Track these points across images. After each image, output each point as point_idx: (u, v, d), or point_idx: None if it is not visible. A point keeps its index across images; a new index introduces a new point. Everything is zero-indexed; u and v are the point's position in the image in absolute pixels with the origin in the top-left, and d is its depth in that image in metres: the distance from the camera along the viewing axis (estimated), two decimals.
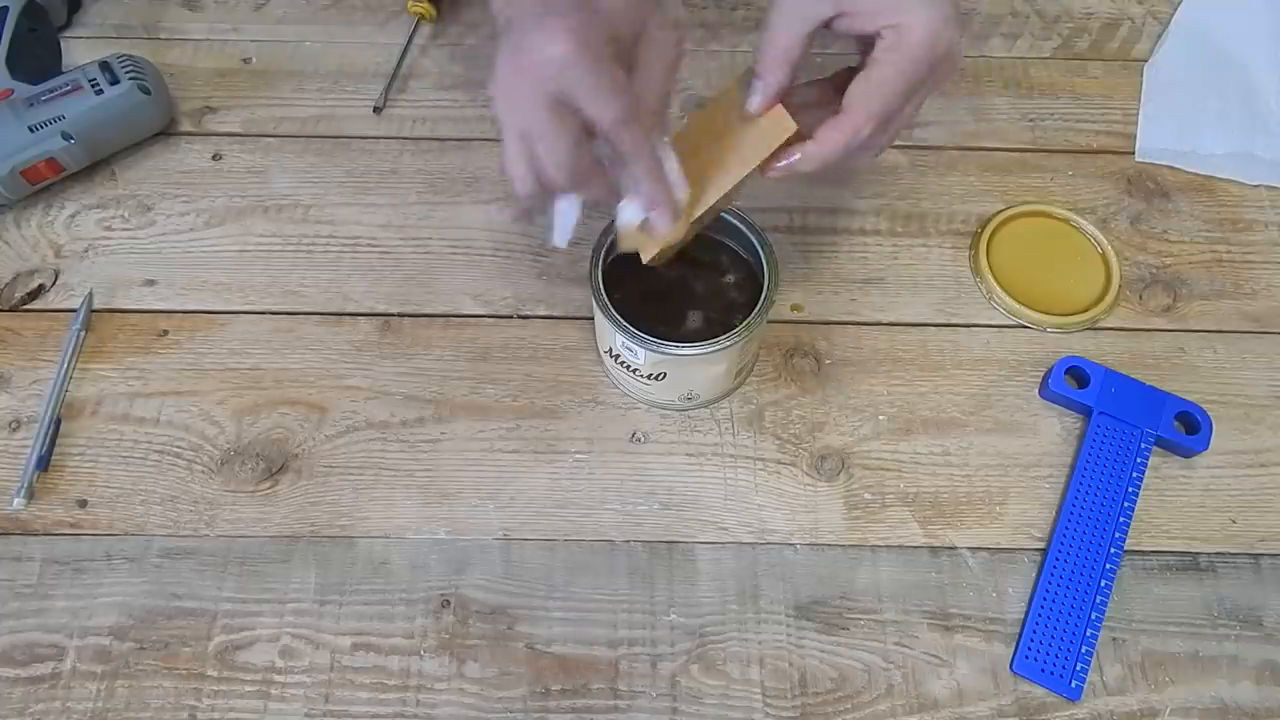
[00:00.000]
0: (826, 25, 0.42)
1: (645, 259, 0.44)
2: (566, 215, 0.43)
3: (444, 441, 0.50)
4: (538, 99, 0.37)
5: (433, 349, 0.53)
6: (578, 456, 0.50)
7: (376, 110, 0.61)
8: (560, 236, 0.43)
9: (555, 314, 0.54)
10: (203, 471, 0.49)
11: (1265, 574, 0.48)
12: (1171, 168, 0.60)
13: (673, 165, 0.41)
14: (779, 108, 0.42)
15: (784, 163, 0.43)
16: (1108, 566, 0.47)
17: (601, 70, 0.36)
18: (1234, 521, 0.49)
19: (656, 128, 0.40)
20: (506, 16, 0.38)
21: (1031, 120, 0.62)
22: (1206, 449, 0.50)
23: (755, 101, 0.42)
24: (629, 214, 0.42)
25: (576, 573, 0.47)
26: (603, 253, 0.47)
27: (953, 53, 0.41)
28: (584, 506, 0.49)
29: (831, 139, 0.42)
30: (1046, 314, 0.54)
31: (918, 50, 0.40)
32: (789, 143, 0.42)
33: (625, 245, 0.44)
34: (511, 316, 0.54)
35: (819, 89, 0.45)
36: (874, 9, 0.41)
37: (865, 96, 0.41)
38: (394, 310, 0.54)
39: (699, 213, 0.43)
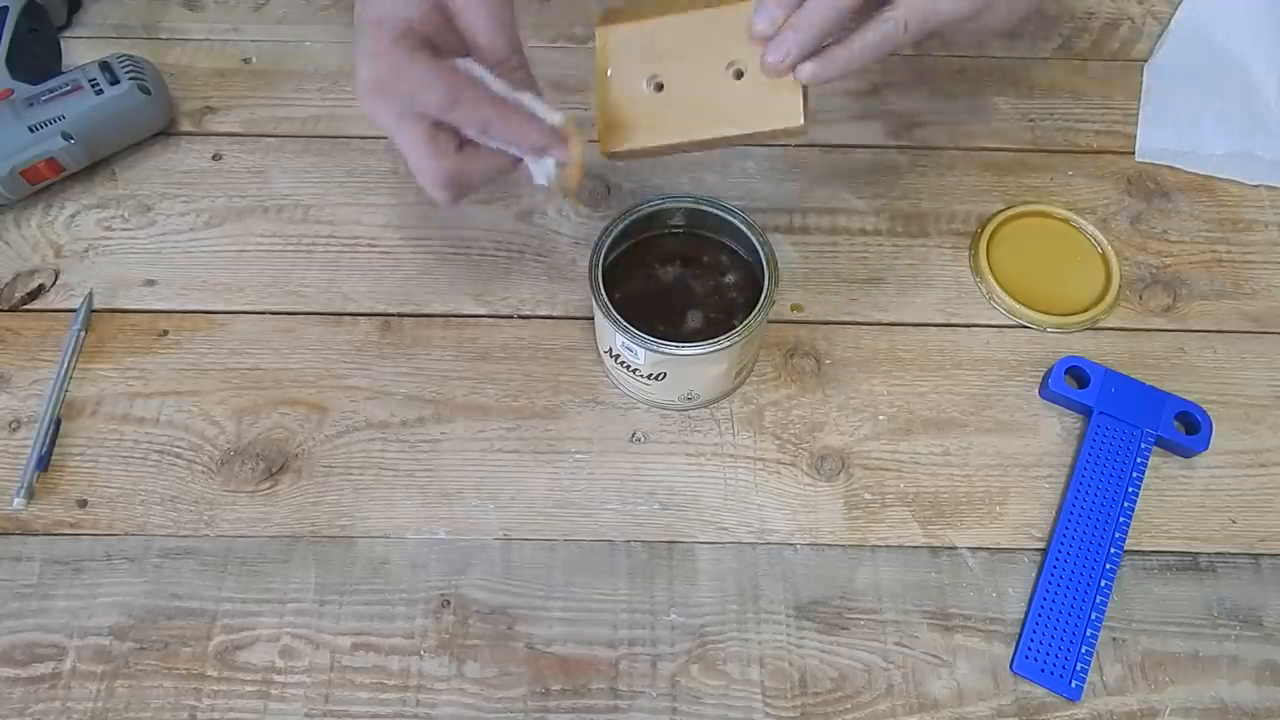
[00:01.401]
0: None
1: (575, 183, 0.42)
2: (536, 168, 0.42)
3: (444, 441, 0.50)
4: (382, 120, 0.39)
5: (433, 349, 0.53)
6: (578, 456, 0.50)
7: None
8: (539, 174, 0.42)
9: (555, 314, 0.54)
10: (203, 471, 0.49)
11: (1265, 574, 0.48)
12: (1171, 168, 0.60)
13: (533, 99, 0.40)
14: (796, 83, 0.39)
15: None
16: (1108, 566, 0.47)
17: (404, 73, 0.37)
18: (1234, 521, 0.49)
19: (505, 64, 0.39)
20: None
21: (1031, 120, 0.62)
22: (1206, 449, 0.50)
23: (759, 24, 0.39)
24: (537, 170, 0.41)
25: (576, 573, 0.47)
26: (603, 253, 0.47)
27: None
28: (584, 506, 0.49)
29: (871, 34, 0.39)
30: (1046, 314, 0.54)
31: None
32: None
33: (560, 188, 0.42)
34: (511, 316, 0.54)
35: None
36: None
37: None
38: (394, 310, 0.54)
39: (660, 142, 0.41)
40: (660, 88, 0.42)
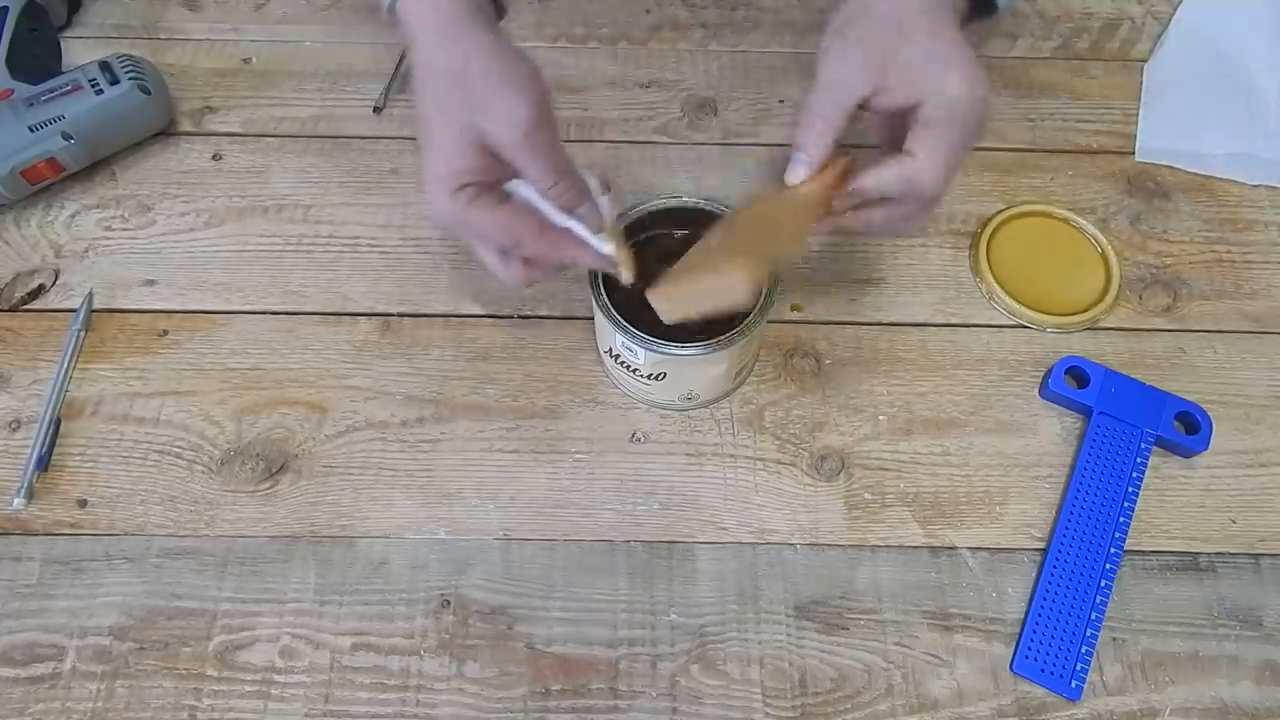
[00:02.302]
0: (864, 105, 0.43)
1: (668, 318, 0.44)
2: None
3: (444, 441, 0.50)
4: (456, 235, 0.44)
5: (433, 349, 0.53)
6: (578, 456, 0.50)
7: (376, 110, 0.61)
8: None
9: (555, 314, 0.54)
10: (203, 471, 0.49)
11: (1265, 574, 0.48)
12: (1171, 168, 0.60)
13: (578, 224, 0.43)
14: (819, 186, 0.43)
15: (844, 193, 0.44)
16: (1108, 566, 0.47)
17: (463, 222, 0.42)
18: (1234, 521, 0.49)
19: (554, 191, 0.41)
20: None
21: (1031, 120, 0.62)
22: (1206, 449, 0.50)
23: (798, 172, 0.43)
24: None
25: (576, 573, 0.47)
26: None
27: (988, 110, 0.43)
28: (584, 506, 0.49)
29: (891, 172, 0.42)
30: (1046, 314, 0.54)
31: (966, 108, 0.41)
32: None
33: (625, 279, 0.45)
34: (512, 316, 0.54)
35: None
36: (911, 79, 0.42)
37: (931, 142, 0.41)
38: (394, 310, 0.54)
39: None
40: None
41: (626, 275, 0.44)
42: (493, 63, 0.40)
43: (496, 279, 0.45)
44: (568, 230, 0.43)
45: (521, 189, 0.43)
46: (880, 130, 0.45)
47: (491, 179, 0.42)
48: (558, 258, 0.44)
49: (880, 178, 0.42)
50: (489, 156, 0.41)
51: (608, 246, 0.44)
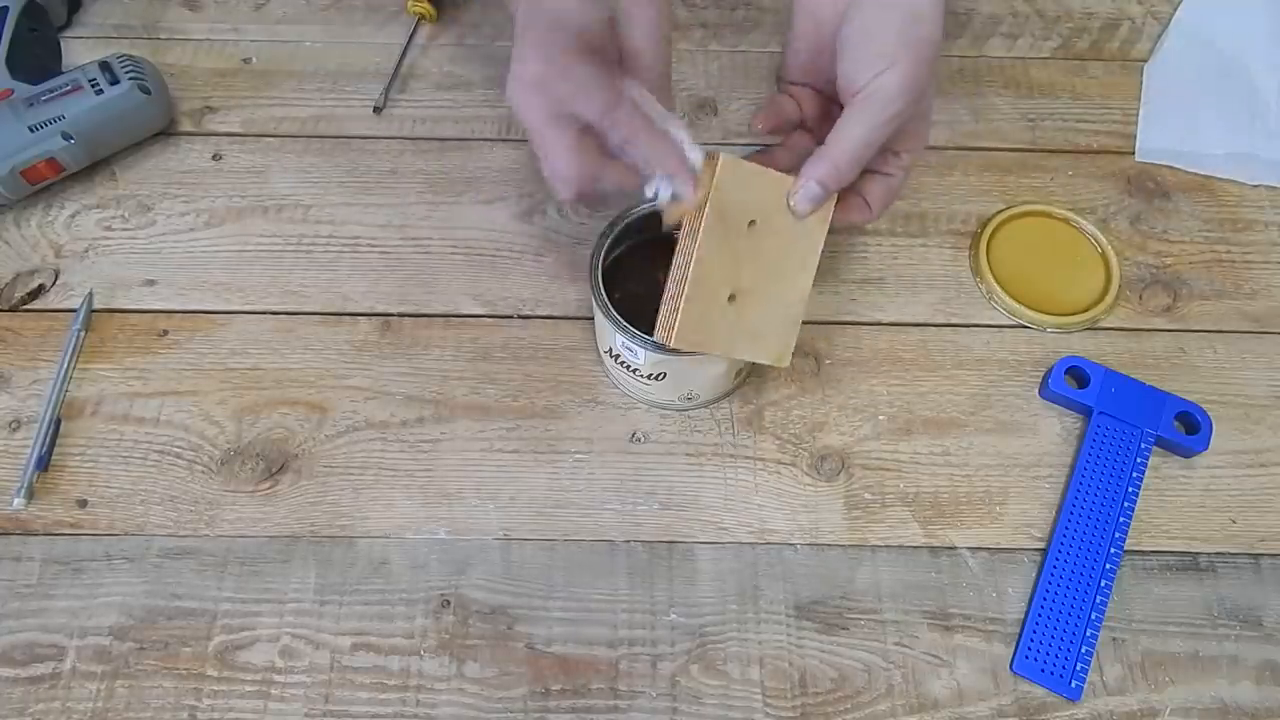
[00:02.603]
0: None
1: (676, 219, 0.43)
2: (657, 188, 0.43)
3: (444, 441, 0.50)
4: (533, 117, 0.40)
5: (433, 349, 0.53)
6: (578, 456, 0.50)
7: (376, 110, 0.61)
8: (653, 191, 0.42)
9: (555, 314, 0.54)
10: (203, 471, 0.49)
11: (1265, 574, 0.48)
12: (1171, 168, 0.60)
13: (680, 131, 0.41)
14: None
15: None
16: (1108, 566, 0.47)
17: (571, 75, 0.39)
18: (1234, 521, 0.49)
19: (658, 92, 0.40)
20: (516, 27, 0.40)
21: (1031, 120, 0.62)
22: (1206, 449, 0.50)
23: (804, 207, 0.42)
24: (655, 191, 0.42)
25: (576, 573, 0.47)
26: (603, 253, 0.47)
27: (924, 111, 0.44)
28: (584, 506, 0.49)
29: (881, 191, 0.44)
30: (1046, 314, 0.54)
31: (918, 157, 0.44)
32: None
33: (669, 219, 0.43)
34: (511, 316, 0.54)
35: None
36: (914, 129, 0.43)
37: (904, 165, 0.44)
38: (394, 310, 0.54)
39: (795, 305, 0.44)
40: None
41: (701, 191, 0.41)
42: None
43: (554, 179, 0.41)
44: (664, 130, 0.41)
45: (631, 88, 0.40)
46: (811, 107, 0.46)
47: (606, 53, 0.40)
48: (647, 147, 0.40)
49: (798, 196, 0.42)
50: (612, 29, 0.39)
51: (697, 153, 0.41)
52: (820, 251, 0.44)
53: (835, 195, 0.43)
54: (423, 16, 0.64)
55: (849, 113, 0.41)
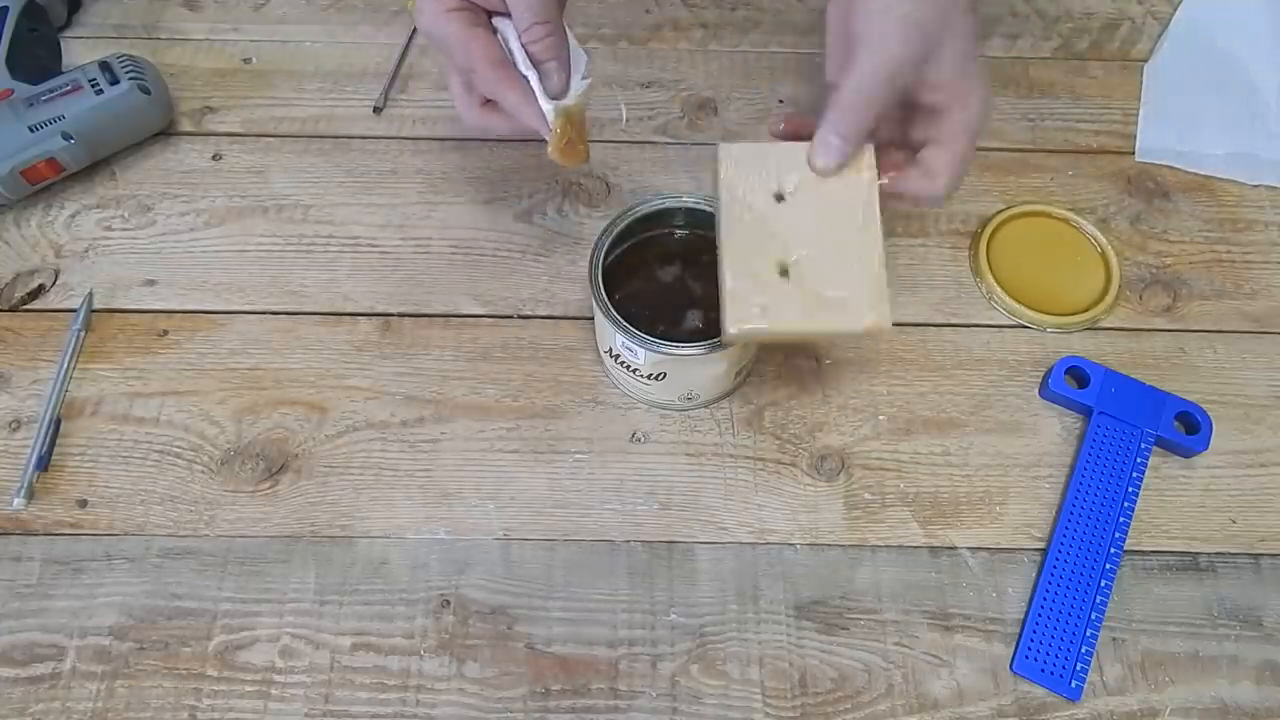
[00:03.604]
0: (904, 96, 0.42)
1: (560, 155, 0.44)
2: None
3: (444, 441, 0.50)
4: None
5: (433, 349, 0.53)
6: (578, 456, 0.50)
7: (376, 110, 0.61)
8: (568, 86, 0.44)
9: (555, 314, 0.54)
10: (203, 471, 0.49)
11: (1265, 574, 0.48)
12: (1171, 168, 0.60)
13: (535, 82, 0.43)
14: (862, 154, 0.42)
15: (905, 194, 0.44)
16: (1107, 566, 0.47)
17: (435, 33, 0.42)
18: (1234, 521, 0.49)
19: (529, 34, 0.42)
20: None
21: (1031, 120, 0.62)
22: (1206, 449, 0.50)
23: (831, 158, 0.41)
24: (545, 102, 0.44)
25: (576, 573, 0.47)
26: (603, 253, 0.47)
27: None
28: (584, 506, 0.49)
29: (943, 160, 0.43)
30: (1046, 314, 0.54)
31: (978, 124, 0.43)
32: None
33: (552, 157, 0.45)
34: (512, 316, 0.54)
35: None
36: (951, 82, 0.43)
37: (959, 129, 0.43)
38: (394, 310, 0.54)
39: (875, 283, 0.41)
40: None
41: (552, 151, 0.44)
42: None
43: (456, 110, 0.46)
44: (523, 80, 0.43)
45: (507, 29, 0.43)
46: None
47: (487, 7, 0.43)
48: (498, 96, 0.43)
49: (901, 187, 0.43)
50: None
51: (550, 110, 0.43)
52: (877, 207, 0.41)
53: (867, 148, 0.42)
54: None
55: (850, 61, 0.41)
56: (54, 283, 0.55)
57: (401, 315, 0.54)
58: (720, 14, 0.67)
